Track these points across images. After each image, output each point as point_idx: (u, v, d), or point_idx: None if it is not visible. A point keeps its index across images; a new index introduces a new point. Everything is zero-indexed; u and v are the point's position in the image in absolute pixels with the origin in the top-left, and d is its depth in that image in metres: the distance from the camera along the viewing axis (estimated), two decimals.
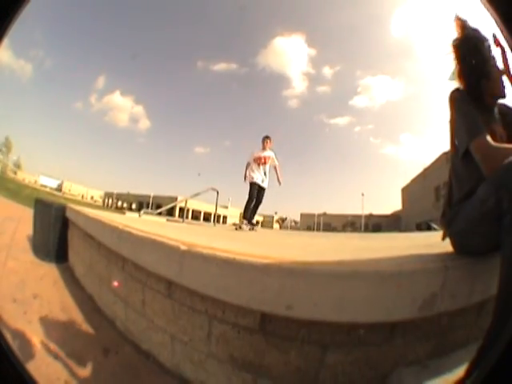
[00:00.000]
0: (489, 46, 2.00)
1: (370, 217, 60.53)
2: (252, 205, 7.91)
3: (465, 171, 2.04)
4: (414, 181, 51.71)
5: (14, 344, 2.16)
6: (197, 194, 10.38)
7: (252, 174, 7.93)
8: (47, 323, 2.96)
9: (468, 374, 1.32)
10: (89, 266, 4.09)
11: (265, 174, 8.09)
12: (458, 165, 2.11)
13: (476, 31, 2.03)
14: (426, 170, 46.09)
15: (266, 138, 8.20)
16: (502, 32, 1.14)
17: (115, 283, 3.14)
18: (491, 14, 1.09)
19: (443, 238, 2.22)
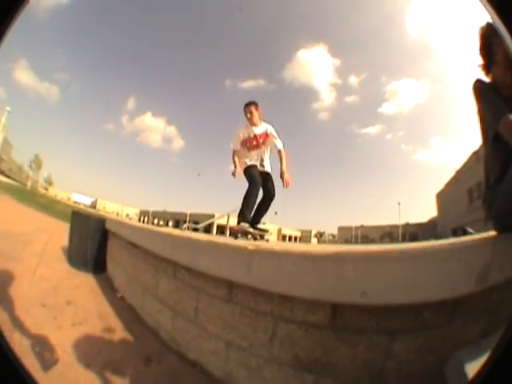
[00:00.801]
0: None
1: (406, 226, 59.38)
2: (255, 196, 4.86)
3: (497, 153, 2.10)
4: (447, 185, 50.77)
5: (33, 349, 2.28)
6: (235, 210, 9.88)
7: (245, 159, 5.12)
8: (81, 330, 2.92)
9: None
10: (132, 275, 4.11)
11: (263, 161, 5.18)
12: (490, 149, 2.18)
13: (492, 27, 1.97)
14: (458, 173, 45.17)
15: (249, 105, 5.12)
16: (501, 32, 1.10)
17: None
18: (491, 14, 1.10)
19: (485, 222, 2.24)
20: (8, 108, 44.14)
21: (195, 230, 11.49)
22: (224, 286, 2.25)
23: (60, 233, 11.10)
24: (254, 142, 5.16)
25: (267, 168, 5.19)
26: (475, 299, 1.74)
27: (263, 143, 5.15)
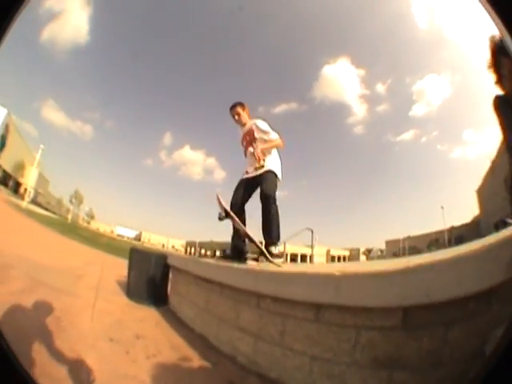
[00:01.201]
0: None
1: (452, 230, 57.35)
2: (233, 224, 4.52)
3: None
4: (485, 179, 48.68)
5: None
6: (294, 235, 9.63)
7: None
8: (157, 361, 2.94)
9: None
10: (203, 309, 4.19)
11: (258, 159, 4.52)
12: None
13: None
14: (493, 163, 43.20)
15: (234, 106, 4.97)
16: (501, 32, 1.13)
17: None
18: (491, 14, 1.10)
19: None
20: (42, 146, 45.72)
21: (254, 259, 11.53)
22: (311, 308, 2.43)
23: (110, 266, 11.36)
24: (244, 143, 4.98)
25: (266, 165, 4.59)
26: (507, 285, 1.87)
27: (252, 140, 4.80)
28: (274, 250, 4.18)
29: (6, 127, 65.30)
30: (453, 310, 1.92)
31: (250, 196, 4.75)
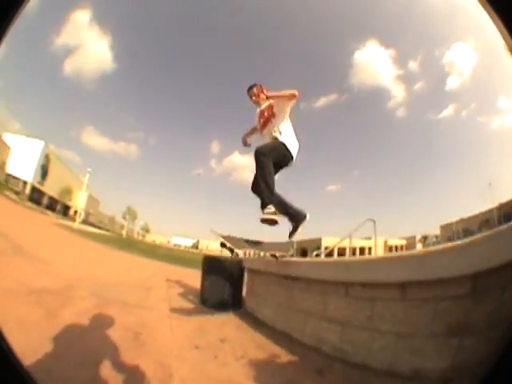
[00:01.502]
0: None
1: (500, 207, 54.91)
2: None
3: None
4: None
5: None
6: (357, 228, 9.37)
7: None
8: (247, 362, 3.06)
9: None
10: (286, 305, 4.37)
11: (280, 133, 4.38)
12: None
13: None
14: None
15: (251, 88, 4.83)
16: (501, 32, 1.11)
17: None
18: (491, 14, 1.10)
19: None
20: (89, 169, 47.60)
21: (317, 255, 11.84)
22: (397, 288, 2.67)
23: (175, 276, 11.53)
24: (262, 120, 4.75)
25: (284, 139, 4.39)
26: None
27: (271, 116, 4.59)
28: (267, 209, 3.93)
29: (46, 157, 68.95)
30: (506, 273, 2.09)
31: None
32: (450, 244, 2.52)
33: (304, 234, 4.30)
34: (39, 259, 6.73)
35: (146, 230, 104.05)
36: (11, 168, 65.77)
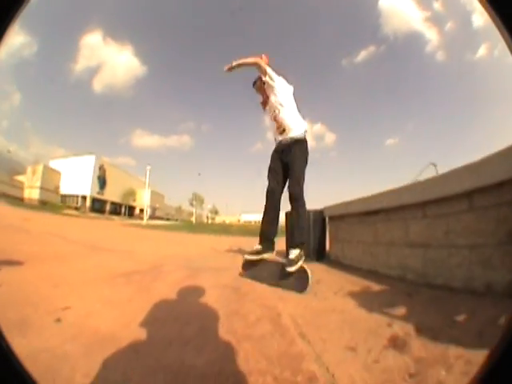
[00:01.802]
0: None
1: None
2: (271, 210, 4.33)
3: None
4: None
5: None
6: (419, 173, 9.11)
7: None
8: (345, 294, 3.34)
9: None
10: (371, 243, 4.71)
11: (281, 122, 4.30)
12: None
13: None
14: None
15: (255, 83, 4.83)
16: (501, 32, 0.98)
17: None
18: (491, 14, 0.99)
19: None
20: (148, 167, 49.26)
21: None
22: (465, 198, 2.88)
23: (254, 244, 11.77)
24: (262, 105, 4.73)
25: (288, 131, 4.25)
26: None
27: (265, 96, 4.56)
28: (291, 254, 3.78)
29: (101, 168, 72.38)
30: None
31: (285, 179, 4.30)
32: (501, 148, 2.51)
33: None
34: (120, 251, 7.20)
35: (215, 211, 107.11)
36: (67, 188, 70.01)
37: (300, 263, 3.64)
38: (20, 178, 65.59)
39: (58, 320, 2.25)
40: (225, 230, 29.38)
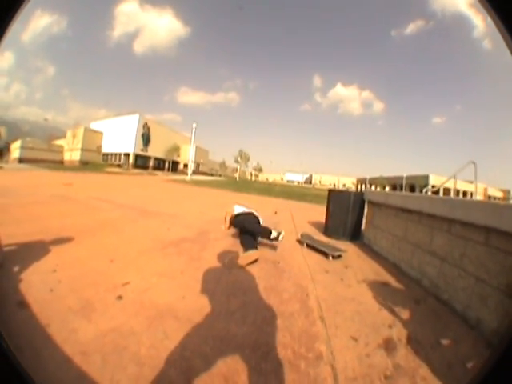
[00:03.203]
0: None
1: None
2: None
3: None
4: None
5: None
6: (459, 171, 9.21)
7: None
8: (365, 286, 3.79)
9: None
10: (401, 237, 5.01)
11: None
12: None
13: None
14: None
15: None
16: (501, 32, 1.10)
17: None
18: (491, 14, 1.09)
19: None
20: (194, 124, 49.79)
21: (425, 192, 11.98)
22: (483, 232, 3.00)
23: (295, 209, 12.50)
24: None
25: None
26: None
27: None
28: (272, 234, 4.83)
29: (145, 126, 72.99)
30: None
31: None
32: None
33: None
34: (166, 214, 7.81)
35: (259, 169, 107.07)
36: (109, 147, 71.36)
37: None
38: (59, 142, 68.26)
39: (120, 297, 2.67)
40: (268, 189, 30.00)
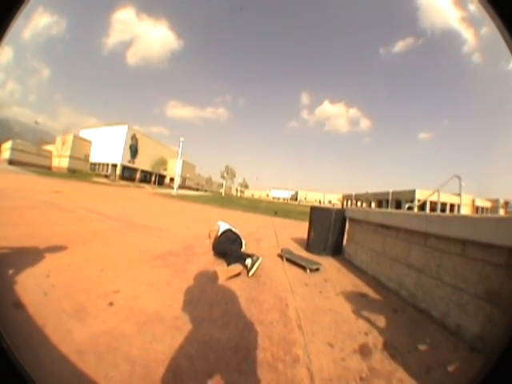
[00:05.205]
0: None
1: None
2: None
3: None
4: None
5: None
6: (443, 185, 9.51)
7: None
8: (343, 298, 3.92)
9: None
10: (380, 252, 5.22)
11: None
12: None
13: None
14: None
15: None
16: (502, 32, 1.13)
17: None
18: (491, 14, 1.12)
19: None
20: (182, 138, 50.37)
21: (410, 208, 12.09)
22: (459, 244, 3.16)
23: (279, 226, 12.52)
24: None
25: None
26: None
27: None
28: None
29: (133, 138, 73.35)
30: None
31: None
32: (501, 215, 2.80)
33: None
34: (153, 229, 7.90)
35: (245, 185, 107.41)
36: (97, 157, 71.65)
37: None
38: (48, 147, 68.32)
39: (111, 304, 2.82)
40: (254, 206, 29.99)
